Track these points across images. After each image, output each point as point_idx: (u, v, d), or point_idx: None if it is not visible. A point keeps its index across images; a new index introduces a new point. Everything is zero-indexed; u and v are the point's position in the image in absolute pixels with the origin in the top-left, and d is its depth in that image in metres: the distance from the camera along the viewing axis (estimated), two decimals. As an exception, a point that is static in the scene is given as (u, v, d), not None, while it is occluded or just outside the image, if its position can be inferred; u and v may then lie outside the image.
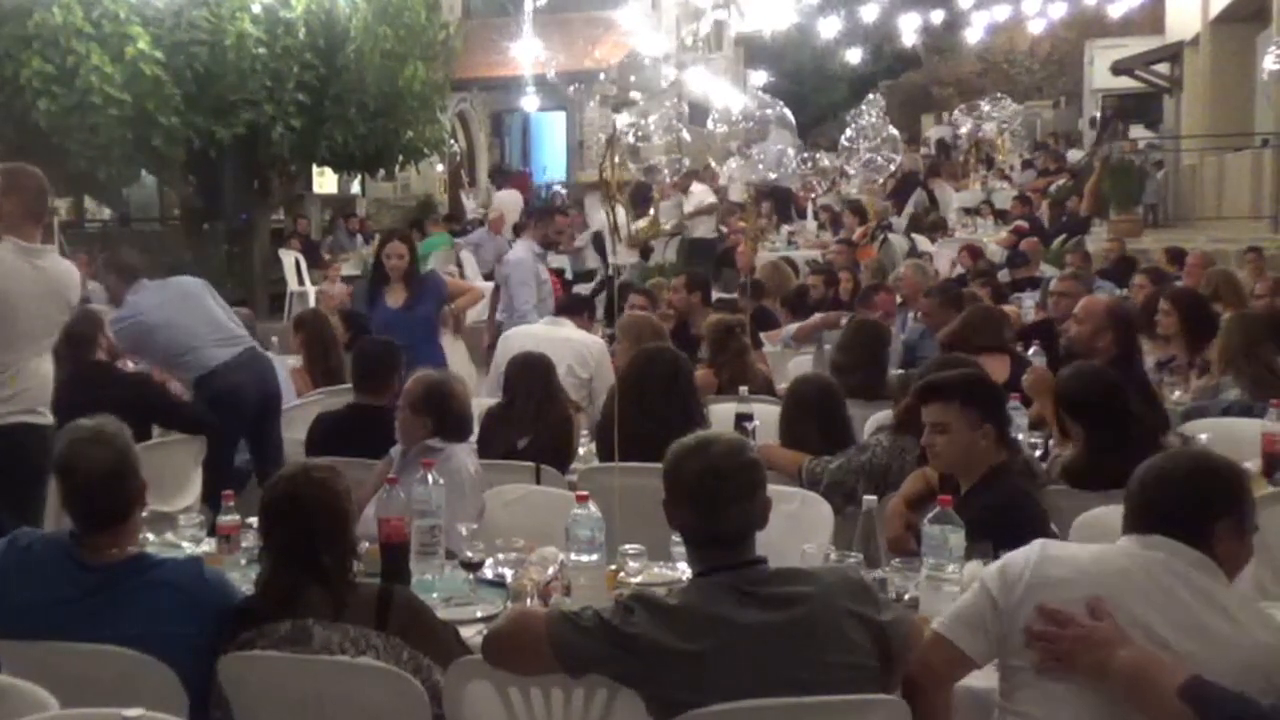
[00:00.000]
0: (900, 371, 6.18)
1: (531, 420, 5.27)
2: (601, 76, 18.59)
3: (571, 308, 7.46)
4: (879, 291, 8.17)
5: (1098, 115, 25.89)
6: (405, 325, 6.88)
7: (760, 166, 8.46)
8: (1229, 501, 2.59)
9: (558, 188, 24.41)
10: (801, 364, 7.57)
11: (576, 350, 6.55)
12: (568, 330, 6.86)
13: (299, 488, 3.10)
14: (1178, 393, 6.06)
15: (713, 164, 10.58)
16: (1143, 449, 4.30)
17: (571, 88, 18.02)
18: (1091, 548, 2.73)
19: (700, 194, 15.54)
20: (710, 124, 8.64)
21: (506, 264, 9.26)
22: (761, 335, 8.27)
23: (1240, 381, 5.68)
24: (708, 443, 2.79)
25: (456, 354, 7.99)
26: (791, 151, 8.84)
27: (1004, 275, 11.22)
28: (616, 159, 5.72)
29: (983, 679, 2.91)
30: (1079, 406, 4.43)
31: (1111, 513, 3.94)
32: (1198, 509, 2.58)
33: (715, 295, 9.14)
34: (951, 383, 3.96)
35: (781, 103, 9.02)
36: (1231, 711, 2.32)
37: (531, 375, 5.37)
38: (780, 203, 17.11)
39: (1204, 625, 2.47)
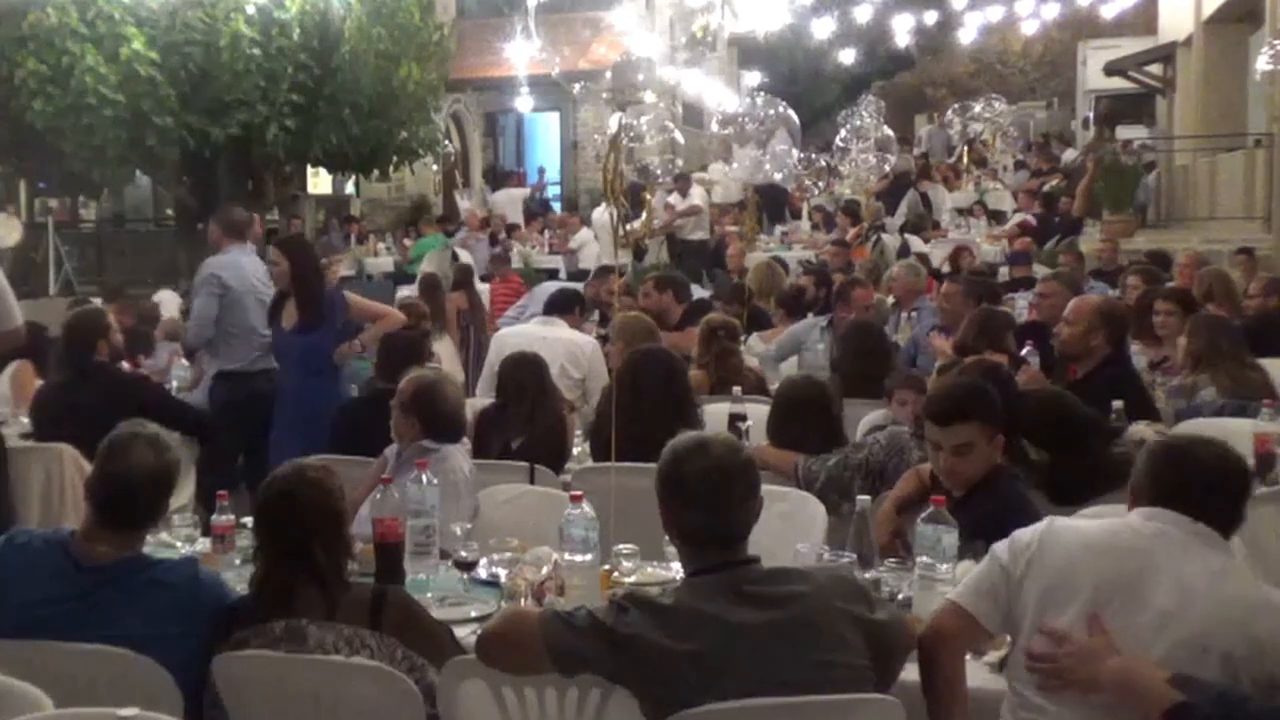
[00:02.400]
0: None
1: (525, 420, 5.27)
2: (608, 75, 18.56)
3: (562, 305, 7.27)
4: (855, 287, 8.05)
5: (1090, 115, 25.91)
6: (292, 352, 6.12)
7: (767, 167, 8.43)
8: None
9: (552, 187, 24.40)
10: (789, 366, 7.57)
11: (569, 350, 6.54)
12: (560, 330, 6.84)
13: (293, 487, 3.11)
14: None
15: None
16: (1101, 465, 4.36)
17: (577, 86, 17.95)
18: (1095, 523, 2.82)
19: (696, 195, 15.55)
20: (714, 126, 8.58)
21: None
22: (756, 335, 8.27)
23: (1217, 380, 5.70)
24: (707, 443, 2.79)
25: (445, 352, 7.96)
26: (793, 151, 8.81)
27: (1004, 273, 11.27)
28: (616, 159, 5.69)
29: (980, 680, 2.93)
30: (1035, 433, 4.47)
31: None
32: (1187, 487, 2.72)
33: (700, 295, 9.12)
34: (968, 401, 3.84)
35: (784, 103, 9.03)
36: (1215, 695, 2.41)
37: (525, 375, 5.36)
38: (773, 203, 17.09)
39: (1186, 585, 2.57)
